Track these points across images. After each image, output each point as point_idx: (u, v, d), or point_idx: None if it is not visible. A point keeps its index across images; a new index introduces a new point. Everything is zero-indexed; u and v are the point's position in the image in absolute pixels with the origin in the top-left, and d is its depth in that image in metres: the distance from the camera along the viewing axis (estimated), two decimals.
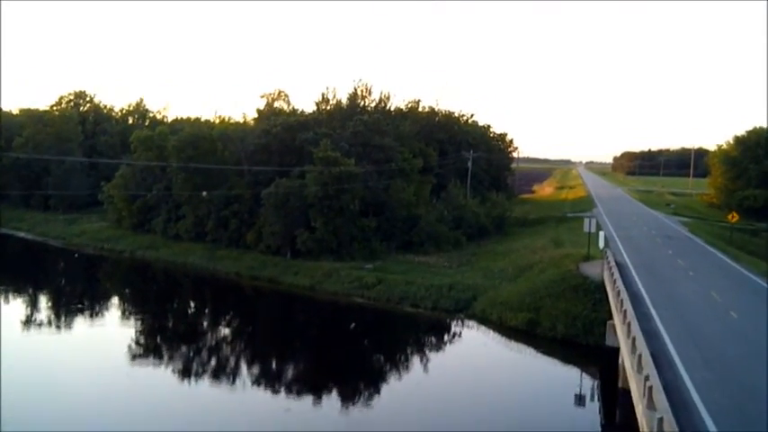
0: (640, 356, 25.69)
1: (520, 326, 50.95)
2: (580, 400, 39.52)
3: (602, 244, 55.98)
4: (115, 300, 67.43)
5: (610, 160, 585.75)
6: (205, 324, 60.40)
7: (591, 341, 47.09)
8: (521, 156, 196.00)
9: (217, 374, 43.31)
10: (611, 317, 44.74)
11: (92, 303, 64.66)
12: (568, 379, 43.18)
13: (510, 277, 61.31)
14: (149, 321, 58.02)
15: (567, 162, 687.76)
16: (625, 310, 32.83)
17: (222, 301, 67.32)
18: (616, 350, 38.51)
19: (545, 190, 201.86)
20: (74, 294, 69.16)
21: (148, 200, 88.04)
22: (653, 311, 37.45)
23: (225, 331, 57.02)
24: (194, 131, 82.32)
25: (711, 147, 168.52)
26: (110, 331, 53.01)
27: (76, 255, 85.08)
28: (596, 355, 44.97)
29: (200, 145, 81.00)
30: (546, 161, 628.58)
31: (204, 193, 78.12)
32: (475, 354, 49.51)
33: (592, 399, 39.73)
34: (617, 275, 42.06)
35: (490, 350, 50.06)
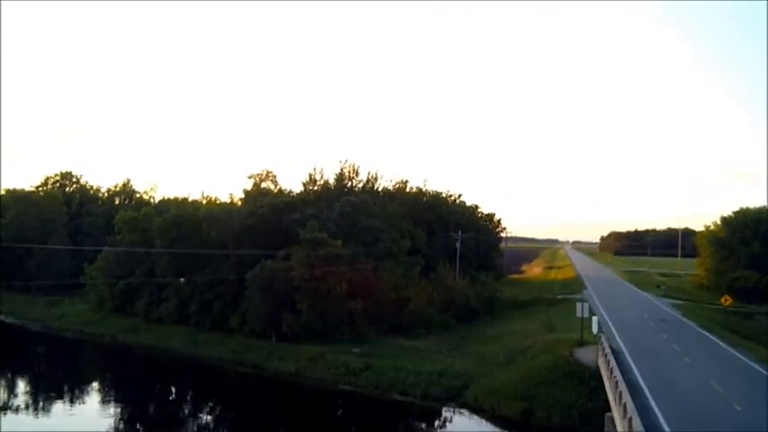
0: None
1: (514, 416, 48.84)
2: None
3: (595, 329, 54.56)
4: (92, 387, 64.79)
5: (596, 240, 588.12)
6: (184, 413, 57.86)
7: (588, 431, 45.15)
8: (508, 235, 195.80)
9: None
10: (608, 406, 43.00)
11: (67, 391, 62.50)
12: None
13: (502, 363, 59.38)
14: (126, 411, 55.61)
15: (555, 242, 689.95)
16: (625, 404, 31.26)
17: (202, 389, 64.81)
18: None
19: (534, 270, 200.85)
20: (49, 382, 66.56)
21: (131, 282, 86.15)
22: (653, 403, 35.84)
23: (202, 423, 54.32)
24: (179, 212, 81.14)
25: (698, 227, 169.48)
26: (85, 421, 50.71)
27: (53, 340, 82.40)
28: None
29: (184, 226, 79.88)
30: (533, 240, 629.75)
31: (182, 280, 76.53)
32: None
33: None
34: (613, 364, 40.61)
35: None
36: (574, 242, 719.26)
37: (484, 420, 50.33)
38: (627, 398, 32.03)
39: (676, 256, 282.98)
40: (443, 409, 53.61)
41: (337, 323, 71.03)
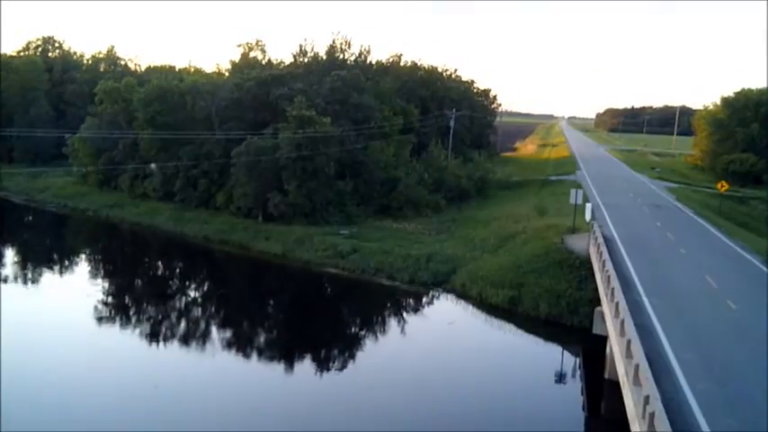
0: (637, 367, 22.86)
1: (501, 303, 48.19)
2: (561, 378, 38.27)
3: (588, 216, 52.91)
4: (77, 262, 64.04)
5: (592, 116, 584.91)
6: (171, 289, 57.00)
7: (575, 322, 44.63)
8: (504, 110, 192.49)
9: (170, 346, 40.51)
10: (597, 297, 42.19)
11: (53, 264, 62.38)
12: (551, 363, 40.61)
13: (491, 248, 58.34)
14: (113, 285, 55.82)
15: (550, 117, 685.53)
16: (617, 303, 29.98)
17: (187, 267, 64.27)
18: (603, 337, 36.20)
19: (528, 148, 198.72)
20: (34, 256, 65.59)
21: (114, 155, 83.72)
22: (645, 300, 34.60)
23: (189, 298, 53.56)
24: (162, 84, 77.51)
25: (695, 105, 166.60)
26: (72, 294, 50.87)
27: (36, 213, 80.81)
28: (581, 338, 42.52)
29: (167, 99, 76.54)
30: (529, 115, 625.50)
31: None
32: (453, 333, 46.57)
33: (574, 382, 37.44)
34: (606, 256, 39.17)
35: (469, 329, 47.28)
36: (569, 117, 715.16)
37: (471, 306, 49.68)
38: (619, 296, 30.71)
39: (672, 134, 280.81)
40: (430, 295, 52.91)
41: (325, 204, 69.49)
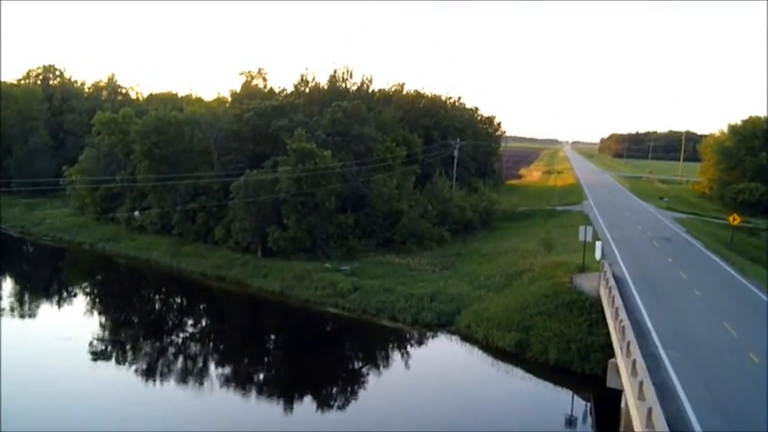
0: None
1: (508, 347, 46.04)
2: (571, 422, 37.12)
3: (598, 255, 50.91)
4: (68, 302, 62.06)
5: (596, 140, 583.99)
6: (167, 326, 54.91)
7: (586, 369, 42.42)
8: (507, 135, 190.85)
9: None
10: (609, 343, 40.14)
11: (48, 299, 61.85)
12: (561, 411, 38.38)
13: (497, 287, 56.26)
14: (109, 321, 54.80)
15: (554, 142, 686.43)
16: (634, 361, 27.90)
17: (181, 308, 62.26)
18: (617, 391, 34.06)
19: (533, 174, 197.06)
20: (29, 290, 63.87)
21: (112, 187, 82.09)
22: (662, 353, 32.50)
23: (175, 344, 51.04)
24: (159, 116, 75.96)
25: (700, 131, 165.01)
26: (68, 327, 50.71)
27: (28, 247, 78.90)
28: (592, 387, 40.36)
29: (165, 130, 74.87)
30: (532, 140, 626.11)
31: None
32: (457, 378, 44.36)
33: None
34: (619, 302, 37.11)
35: (475, 374, 45.07)
36: (573, 142, 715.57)
37: (476, 350, 47.56)
38: (636, 352, 28.64)
39: (677, 159, 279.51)
40: (434, 338, 50.73)
41: (326, 238, 67.62)
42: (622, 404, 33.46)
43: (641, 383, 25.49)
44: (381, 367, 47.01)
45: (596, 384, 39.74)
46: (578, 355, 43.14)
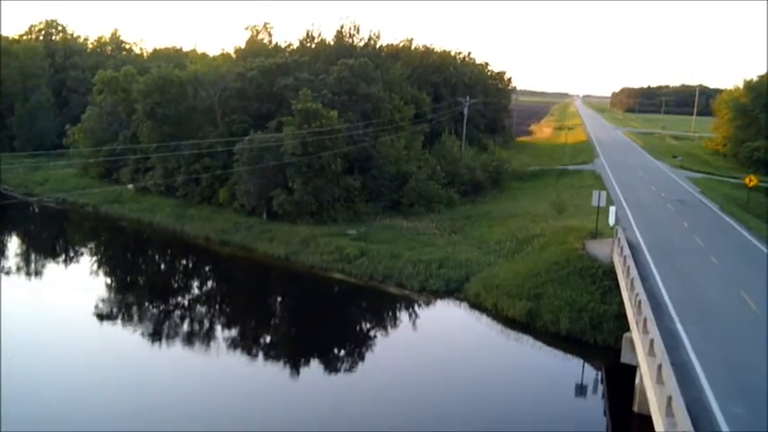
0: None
1: (518, 316, 44.90)
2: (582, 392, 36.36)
3: (612, 221, 49.52)
4: (70, 266, 61.25)
5: (607, 94, 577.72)
6: (172, 289, 53.98)
7: (599, 339, 41.38)
8: (517, 89, 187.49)
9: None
10: (622, 312, 39.02)
11: (42, 266, 60.14)
12: (573, 379, 37.37)
13: (507, 253, 54.90)
14: (114, 285, 54.31)
15: (565, 95, 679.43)
16: (652, 341, 26.66)
17: (183, 274, 61.05)
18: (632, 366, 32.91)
19: (543, 131, 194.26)
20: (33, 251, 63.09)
21: (115, 147, 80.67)
22: (680, 329, 31.22)
23: (176, 313, 50.09)
24: (161, 74, 74.01)
25: (713, 84, 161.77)
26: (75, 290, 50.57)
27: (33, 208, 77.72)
28: (604, 357, 39.36)
29: (168, 89, 73.04)
30: (543, 94, 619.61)
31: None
32: (466, 347, 43.32)
33: (598, 409, 34.18)
34: (634, 273, 35.72)
35: (484, 344, 44.07)
36: (584, 96, 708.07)
37: (485, 318, 46.48)
38: (654, 331, 27.37)
39: (689, 114, 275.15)
40: (442, 305, 49.61)
41: (332, 201, 66.16)
42: (637, 380, 32.39)
43: (660, 366, 24.27)
44: (388, 335, 45.94)
45: (609, 355, 38.84)
46: (590, 325, 42.05)
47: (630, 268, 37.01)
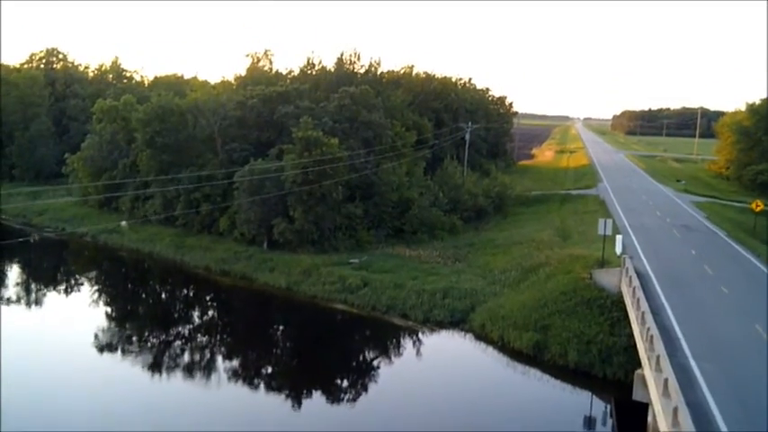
0: None
1: (525, 349, 43.84)
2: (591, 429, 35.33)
3: (619, 249, 48.58)
4: (70, 299, 60.28)
5: (608, 117, 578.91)
6: (160, 332, 52.59)
7: (608, 373, 40.28)
8: (518, 113, 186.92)
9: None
10: (632, 344, 38.02)
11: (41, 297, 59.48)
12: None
13: (513, 282, 53.92)
14: (109, 320, 52.72)
15: (566, 118, 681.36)
16: (666, 380, 25.66)
17: (183, 306, 60.22)
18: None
19: (545, 154, 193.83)
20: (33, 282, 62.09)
21: (114, 176, 80.00)
22: (694, 365, 30.21)
23: (175, 346, 49.08)
24: (161, 103, 73.49)
25: (714, 107, 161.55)
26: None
27: (33, 239, 76.59)
28: (614, 391, 38.25)
29: (167, 118, 72.49)
30: (544, 117, 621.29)
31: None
32: (472, 381, 42.24)
33: None
34: (645, 307, 34.76)
35: (490, 376, 42.98)
36: (585, 119, 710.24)
37: (491, 349, 45.44)
38: (668, 370, 26.40)
39: (690, 136, 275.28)
40: (447, 337, 48.52)
41: (334, 229, 65.27)
42: (649, 418, 31.32)
43: (676, 409, 23.25)
44: (391, 367, 44.87)
45: (619, 389, 37.82)
46: (599, 358, 41.06)
47: (641, 301, 36.05)
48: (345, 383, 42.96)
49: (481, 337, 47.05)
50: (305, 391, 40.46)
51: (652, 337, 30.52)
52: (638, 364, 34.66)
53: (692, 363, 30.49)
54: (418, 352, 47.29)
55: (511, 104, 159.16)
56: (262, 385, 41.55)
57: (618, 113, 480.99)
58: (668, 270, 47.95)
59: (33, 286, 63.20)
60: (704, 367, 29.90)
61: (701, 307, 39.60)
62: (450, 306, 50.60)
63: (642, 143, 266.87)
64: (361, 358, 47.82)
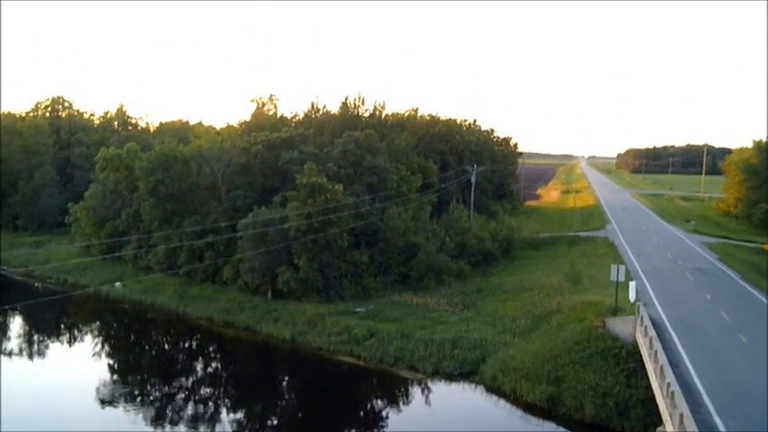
0: None
1: (539, 402, 42.30)
2: None
3: (632, 297, 47.32)
4: (71, 347, 59.08)
5: (612, 155, 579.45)
6: (162, 388, 51.27)
7: (626, 427, 38.68)
8: (523, 152, 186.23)
9: None
10: (649, 396, 36.64)
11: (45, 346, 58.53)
12: None
13: (524, 330, 52.47)
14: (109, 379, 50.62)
15: (570, 157, 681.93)
16: None
17: (186, 360, 58.80)
18: None
19: (551, 195, 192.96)
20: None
21: (117, 225, 79.19)
22: (717, 421, 28.75)
23: (172, 405, 47.58)
24: (165, 151, 72.96)
25: (718, 143, 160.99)
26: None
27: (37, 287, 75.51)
28: None
29: (171, 166, 71.86)
30: (548, 156, 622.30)
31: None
32: None
33: None
34: (663, 359, 33.38)
35: None
36: (589, 157, 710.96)
37: (503, 402, 43.87)
38: (692, 428, 24.99)
39: (695, 173, 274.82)
40: (457, 390, 46.91)
41: (339, 277, 64.06)
42: None
43: None
44: (400, 423, 43.22)
45: None
46: (616, 411, 39.54)
47: (659, 353, 34.71)
48: None
49: (492, 389, 45.50)
50: None
51: (673, 393, 29.14)
52: (657, 418, 33.32)
53: (717, 419, 29.00)
54: (428, 406, 45.90)
55: (516, 145, 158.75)
56: None
57: (622, 152, 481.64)
58: (684, 318, 46.54)
59: (36, 338, 62.17)
60: (730, 424, 28.42)
61: (720, 357, 38.14)
62: (459, 357, 49.10)
63: (648, 181, 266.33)
64: (368, 413, 46.18)
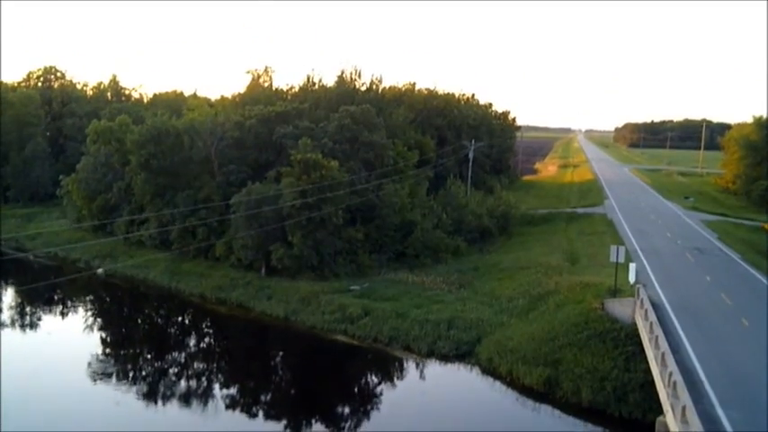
0: None
1: (535, 385, 41.59)
2: None
3: (632, 279, 46.49)
4: (61, 323, 58.20)
5: (609, 128, 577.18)
6: (154, 367, 50.54)
7: (624, 412, 37.94)
8: (521, 125, 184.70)
9: None
10: (648, 380, 35.97)
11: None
12: None
13: (521, 311, 51.60)
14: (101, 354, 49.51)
15: (567, 130, 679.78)
16: None
17: (177, 337, 57.93)
18: None
19: (548, 169, 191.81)
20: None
21: (109, 199, 77.94)
22: (721, 413, 27.94)
23: (164, 381, 46.86)
24: (157, 124, 71.48)
25: (716, 118, 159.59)
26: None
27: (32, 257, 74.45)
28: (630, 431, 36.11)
29: (163, 140, 70.45)
30: (546, 129, 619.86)
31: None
32: (480, 420, 39.90)
33: None
34: (665, 347, 32.55)
35: (498, 416, 40.65)
36: (587, 131, 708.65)
37: (499, 384, 43.16)
38: (695, 422, 24.20)
39: (693, 148, 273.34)
40: (453, 371, 46.20)
41: (334, 254, 63.04)
42: None
43: None
44: (394, 402, 42.56)
45: (636, 430, 35.67)
46: (614, 396, 38.83)
47: (659, 339, 33.89)
48: (345, 416, 41.04)
49: (488, 371, 44.77)
50: (304, 422, 39.24)
51: (675, 383, 28.34)
52: (656, 403, 32.71)
53: (720, 411, 28.21)
54: (422, 387, 45.16)
55: (514, 119, 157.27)
56: (260, 414, 40.96)
57: (620, 125, 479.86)
58: (684, 300, 45.71)
59: (28, 309, 61.44)
60: (733, 417, 27.64)
61: (722, 343, 37.32)
62: (455, 338, 48.30)
63: (646, 156, 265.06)
64: (361, 392, 45.51)
